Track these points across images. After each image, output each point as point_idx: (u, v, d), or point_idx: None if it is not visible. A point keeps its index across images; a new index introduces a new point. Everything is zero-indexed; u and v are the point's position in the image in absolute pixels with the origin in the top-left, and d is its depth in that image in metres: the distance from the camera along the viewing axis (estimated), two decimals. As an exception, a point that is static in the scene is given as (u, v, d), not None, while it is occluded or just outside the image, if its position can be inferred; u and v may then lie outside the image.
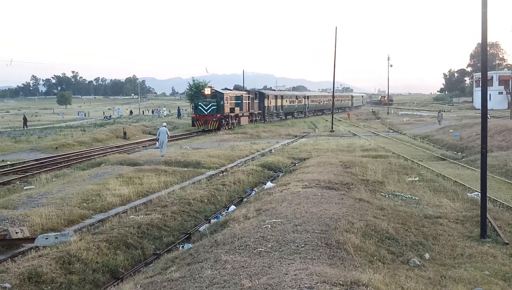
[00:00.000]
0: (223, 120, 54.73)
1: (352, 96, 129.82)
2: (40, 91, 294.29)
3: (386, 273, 8.91)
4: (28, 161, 30.65)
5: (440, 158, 30.79)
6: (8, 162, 30.19)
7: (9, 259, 11.81)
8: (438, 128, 50.57)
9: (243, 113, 60.60)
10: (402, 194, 17.66)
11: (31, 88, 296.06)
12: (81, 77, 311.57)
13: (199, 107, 54.29)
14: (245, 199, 19.11)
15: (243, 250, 9.80)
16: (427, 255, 10.97)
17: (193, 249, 11.31)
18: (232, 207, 17.53)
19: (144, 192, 19.75)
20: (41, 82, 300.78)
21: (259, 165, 26.48)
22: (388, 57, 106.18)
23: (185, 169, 25.46)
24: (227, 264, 8.87)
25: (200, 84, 77.88)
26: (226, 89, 61.85)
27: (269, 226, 11.45)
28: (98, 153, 34.40)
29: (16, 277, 10.18)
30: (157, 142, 32.34)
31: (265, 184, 20.91)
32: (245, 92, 64.39)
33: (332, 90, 70.87)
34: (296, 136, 49.55)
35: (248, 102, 62.99)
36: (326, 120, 73.10)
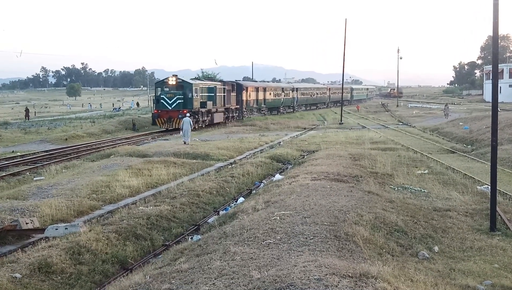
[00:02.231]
0: (192, 117, 42.11)
1: (351, 89, 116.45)
2: (49, 82, 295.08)
3: (395, 265, 8.91)
4: (38, 152, 30.78)
5: (450, 151, 30.64)
6: (18, 153, 30.34)
7: (20, 250, 11.88)
8: (448, 121, 50.37)
9: (217, 109, 50.57)
10: (411, 187, 17.62)
11: (41, 80, 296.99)
12: (90, 68, 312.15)
13: (162, 100, 44.54)
14: (254, 191, 19.13)
15: (252, 241, 9.82)
16: (436, 248, 10.96)
17: (202, 240, 11.34)
18: (241, 199, 17.55)
19: (153, 184, 19.79)
20: (50, 73, 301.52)
21: (268, 157, 26.48)
22: (398, 49, 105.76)
23: (194, 161, 25.50)
24: (236, 256, 8.89)
25: (209, 75, 77.84)
26: (196, 78, 53.44)
27: (278, 218, 11.46)
28: (107, 144, 34.50)
29: (26, 267, 10.25)
30: (181, 132, 34.16)
31: (274, 176, 20.92)
32: (219, 82, 54.63)
33: (341, 82, 70.51)
34: (305, 128, 49.50)
35: (223, 95, 52.73)
36: (335, 113, 72.92)
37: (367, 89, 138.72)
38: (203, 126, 47.17)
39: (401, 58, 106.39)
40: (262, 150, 31.45)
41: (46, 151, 31.22)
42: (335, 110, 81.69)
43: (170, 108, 44.20)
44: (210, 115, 49.04)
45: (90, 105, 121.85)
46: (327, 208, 12.30)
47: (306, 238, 9.80)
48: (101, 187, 18.12)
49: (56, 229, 12.74)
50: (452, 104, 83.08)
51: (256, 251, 9.12)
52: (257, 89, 64.05)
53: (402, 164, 22.63)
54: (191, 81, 46.74)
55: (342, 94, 68.61)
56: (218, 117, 50.85)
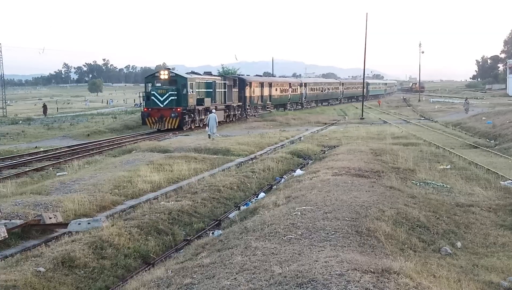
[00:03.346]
0: (186, 116, 40.31)
1: (367, 84, 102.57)
2: (71, 78, 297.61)
3: (418, 261, 8.85)
4: (60, 147, 31.12)
5: (473, 146, 30.35)
6: (42, 149, 30.69)
7: (43, 244, 12.01)
8: (470, 116, 49.86)
9: (216, 106, 44.14)
10: (433, 182, 17.48)
11: (63, 76, 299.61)
12: (111, 64, 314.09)
13: (152, 97, 39.65)
14: (275, 187, 19.12)
15: (273, 237, 9.83)
16: (459, 244, 10.86)
17: (223, 235, 11.38)
18: (262, 194, 17.55)
19: (175, 179, 19.88)
20: (72, 69, 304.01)
21: (288, 152, 26.44)
22: (420, 44, 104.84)
23: (215, 156, 25.55)
24: (257, 251, 8.90)
25: (230, 71, 77.84)
26: (192, 72, 46.76)
27: (299, 213, 11.45)
28: (129, 140, 34.75)
29: (50, 262, 10.35)
30: (207, 127, 34.33)
31: (294, 172, 20.89)
32: (219, 77, 49.06)
33: (362, 77, 70.04)
34: (325, 123, 49.34)
35: (224, 91, 47.74)
36: (356, 108, 72.58)
37: (386, 84, 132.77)
38: (200, 125, 42.26)
39: (423, 52, 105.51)
40: (282, 145, 31.43)
41: (69, 146, 31.55)
42: (356, 105, 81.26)
43: (161, 105, 39.32)
44: (208, 113, 41.74)
45: (112, 100, 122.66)
46: (349, 203, 12.26)
47: (328, 233, 9.78)
48: (123, 182, 18.24)
49: (79, 224, 12.86)
50: (475, 98, 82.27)
51: (277, 246, 9.12)
52: (261, 85, 58.60)
53: (424, 159, 22.46)
54: (185, 75, 42.21)
55: (364, 89, 68.24)
56: (218, 116, 42.80)
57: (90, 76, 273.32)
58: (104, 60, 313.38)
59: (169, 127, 38.85)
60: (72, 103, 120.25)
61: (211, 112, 35.92)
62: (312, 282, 6.86)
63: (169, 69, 42.45)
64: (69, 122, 50.45)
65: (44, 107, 68.36)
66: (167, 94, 39.46)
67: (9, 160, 26.03)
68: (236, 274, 7.77)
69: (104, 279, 10.38)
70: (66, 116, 63.58)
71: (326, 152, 27.14)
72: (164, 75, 40.87)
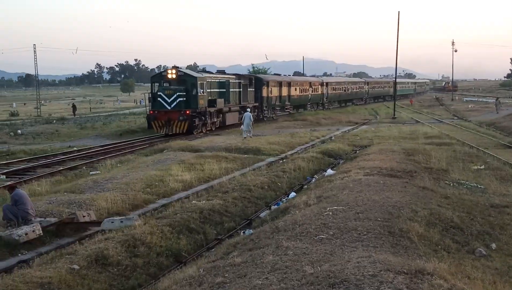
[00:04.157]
0: (197, 119, 36.50)
1: (394, 83, 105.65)
2: (104, 78, 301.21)
3: (451, 262, 8.73)
4: (93, 147, 31.52)
5: (507, 146, 29.80)
6: (75, 148, 31.13)
7: (77, 242, 12.19)
8: (505, 115, 49.01)
9: (229, 108, 41.94)
10: (467, 183, 17.23)
11: (96, 76, 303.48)
12: (143, 65, 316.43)
13: (159, 99, 35.99)
14: (306, 186, 19.06)
15: (304, 236, 9.80)
16: (493, 245, 10.68)
17: (254, 234, 11.38)
18: (293, 194, 17.51)
19: (206, 178, 19.96)
20: (105, 70, 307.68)
21: (319, 152, 26.33)
22: (453, 42, 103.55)
23: (245, 155, 25.59)
24: (288, 250, 8.88)
25: (260, 70, 77.79)
26: (203, 71, 43.68)
27: (330, 213, 11.40)
28: (160, 139, 34.98)
29: (84, 259, 10.50)
30: (242, 126, 34.60)
31: (325, 171, 20.80)
32: (233, 76, 44.74)
33: (394, 76, 69.33)
34: (357, 123, 49.01)
35: (239, 91, 44.33)
36: (388, 107, 71.89)
37: (415, 83, 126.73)
38: (213, 128, 39.57)
39: (456, 51, 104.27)
40: (313, 145, 31.32)
41: (101, 146, 31.93)
42: (387, 104, 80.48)
43: (169, 108, 35.67)
44: (221, 115, 40.83)
45: (142, 100, 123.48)
46: (381, 203, 12.16)
47: (360, 233, 9.72)
48: (155, 181, 18.39)
49: (112, 222, 13.00)
50: (509, 98, 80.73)
51: (308, 246, 9.09)
52: (280, 84, 54.67)
53: (457, 159, 22.16)
54: (195, 74, 38.64)
55: (395, 88, 67.49)
56: (232, 118, 42.51)
57: (122, 76, 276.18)
58: (136, 60, 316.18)
59: (177, 132, 35.45)
60: (105, 103, 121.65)
61: (245, 111, 36.03)
62: (344, 282, 6.82)
63: (178, 67, 38.05)
64: (101, 122, 51.06)
65: (73, 107, 69.02)
66: (175, 95, 35.78)
67: (44, 159, 26.47)
68: (268, 273, 7.76)
69: (137, 277, 10.49)
70: (99, 115, 64.35)
71: (357, 151, 26.95)
72: (172, 74, 37.00)
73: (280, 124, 46.48)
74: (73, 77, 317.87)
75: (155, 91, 36.99)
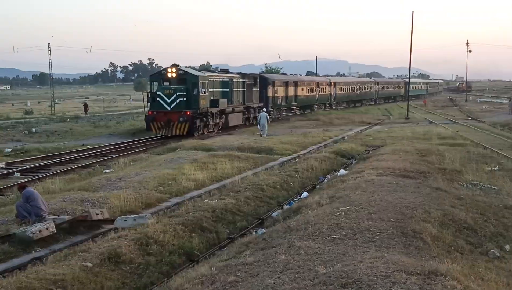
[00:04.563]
0: (198, 120, 34.72)
1: (405, 83, 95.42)
2: (117, 77, 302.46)
3: (465, 264, 8.68)
4: (107, 145, 31.66)
5: (522, 147, 29.56)
6: (88, 146, 31.31)
7: (90, 239, 12.27)
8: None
9: (233, 108, 40.19)
10: (481, 184, 17.12)
11: (109, 75, 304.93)
12: (156, 64, 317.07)
13: (158, 99, 34.27)
14: (318, 186, 19.03)
15: (316, 236, 9.79)
16: (507, 247, 10.60)
17: (267, 234, 11.38)
18: (305, 194, 17.49)
19: (218, 177, 19.99)
20: (118, 69, 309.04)
21: (332, 152, 26.29)
22: (467, 42, 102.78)
23: (258, 155, 25.60)
24: (301, 250, 8.88)
25: (273, 70, 77.73)
26: (205, 70, 42.34)
27: (343, 213, 11.38)
28: (173, 138, 35.06)
29: (97, 257, 10.55)
30: (258, 125, 35.06)
31: (338, 171, 20.75)
32: (237, 75, 42.81)
33: (408, 76, 68.95)
34: (369, 123, 48.86)
35: (243, 91, 42.45)
36: (401, 107, 71.61)
37: (427, 83, 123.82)
38: (215, 130, 37.75)
39: (470, 52, 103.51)
40: (326, 145, 31.28)
41: (115, 144, 32.08)
42: (401, 104, 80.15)
43: (168, 108, 33.95)
44: (223, 116, 39.03)
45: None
46: (394, 204, 12.12)
47: (372, 234, 9.69)
48: (168, 180, 18.45)
49: (125, 220, 13.06)
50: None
51: (321, 246, 9.08)
52: (286, 84, 53.16)
53: (471, 160, 22.04)
54: (196, 73, 36.46)
55: (408, 88, 67.17)
56: (235, 119, 41.03)
57: (136, 75, 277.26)
58: (149, 59, 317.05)
59: (177, 133, 33.68)
60: (118, 102, 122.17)
61: (262, 111, 36.28)
62: (357, 282, 6.81)
63: (177, 65, 35.95)
64: (115, 121, 51.28)
65: (85, 105, 68.92)
66: (175, 95, 33.98)
67: (58, 157, 26.65)
68: (280, 273, 7.77)
69: (149, 275, 10.53)
70: (112, 114, 64.62)
71: (370, 152, 26.89)
72: (171, 72, 35.17)
73: (293, 124, 46.44)
74: (87, 76, 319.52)
75: (154, 90, 35.19)
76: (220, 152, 25.48)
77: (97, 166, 23.89)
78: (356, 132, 39.14)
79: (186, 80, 35.02)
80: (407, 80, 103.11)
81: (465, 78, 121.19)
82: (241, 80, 42.35)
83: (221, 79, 39.35)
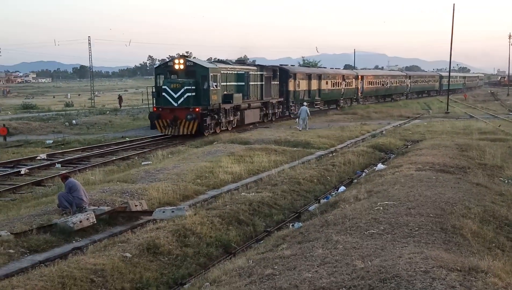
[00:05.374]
0: (208, 118, 31.29)
1: (440, 77, 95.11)
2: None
3: (506, 261, 8.52)
4: (145, 138, 31.99)
5: None
6: (127, 139, 31.69)
7: (129, 230, 12.46)
8: None
9: (249, 104, 36.36)
10: (523, 180, 16.76)
11: (148, 68, 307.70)
12: (194, 57, 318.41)
13: (164, 93, 30.81)
14: (355, 181, 18.91)
15: (354, 231, 9.74)
16: (551, 245, 10.36)
17: (304, 228, 11.38)
18: (342, 188, 17.40)
19: (255, 171, 20.03)
20: (157, 62, 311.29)
21: (369, 146, 26.07)
22: (510, 35, 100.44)
23: (295, 148, 25.57)
24: (338, 244, 8.84)
25: (310, 63, 77.36)
26: (218, 61, 37.84)
27: (381, 208, 11.29)
28: (210, 131, 35.21)
29: (136, 248, 10.70)
30: (298, 119, 35.20)
31: (376, 166, 20.58)
32: (254, 67, 39.07)
33: (448, 69, 67.66)
34: (408, 117, 48.22)
35: (260, 85, 38.68)
36: (441, 102, 70.49)
37: (464, 77, 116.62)
38: (229, 128, 33.99)
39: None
40: (363, 139, 31.05)
41: (153, 137, 32.38)
42: (440, 98, 78.86)
43: (175, 104, 30.43)
44: (238, 113, 35.07)
45: None
46: (433, 199, 11.97)
47: (411, 229, 9.58)
48: (205, 173, 18.57)
49: (163, 212, 13.20)
50: None
51: (358, 240, 9.03)
52: (309, 76, 48.68)
53: (513, 155, 21.57)
54: (207, 64, 32.78)
55: (449, 82, 65.96)
56: (252, 116, 37.25)
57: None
58: (187, 52, 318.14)
59: (185, 133, 30.42)
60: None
61: (302, 104, 36.15)
62: (395, 278, 6.75)
63: (186, 56, 32.66)
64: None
65: (120, 98, 69.24)
66: (183, 90, 30.40)
67: (97, 149, 27.11)
68: (317, 267, 7.75)
69: (187, 267, 10.62)
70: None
71: (409, 146, 26.57)
72: (178, 64, 31.30)
73: (330, 118, 46.14)
74: (126, 69, 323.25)
75: (160, 84, 31.79)
76: (256, 145, 25.53)
77: (136, 158, 24.20)
78: (395, 126, 38.72)
79: (195, 72, 31.39)
80: (442, 73, 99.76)
81: (507, 72, 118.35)
82: (258, 72, 38.61)
83: (236, 72, 35.59)
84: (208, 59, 46.00)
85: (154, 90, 32.23)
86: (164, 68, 33.12)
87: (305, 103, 37.31)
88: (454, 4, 55.15)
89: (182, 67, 31.21)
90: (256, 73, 38.07)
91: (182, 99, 30.40)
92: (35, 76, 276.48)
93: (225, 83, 33.33)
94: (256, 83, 38.07)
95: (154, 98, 32.03)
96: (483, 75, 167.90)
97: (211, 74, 31.21)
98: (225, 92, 33.22)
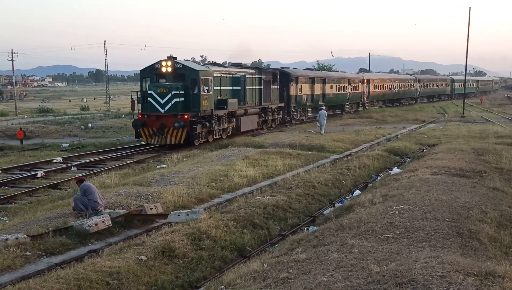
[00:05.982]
0: (198, 126, 28.30)
1: (452, 80, 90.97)
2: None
3: (524, 266, 8.43)
4: (160, 141, 31.98)
5: None
6: (142, 142, 31.80)
7: (145, 233, 12.51)
8: None
9: (246, 110, 33.60)
10: (540, 184, 16.58)
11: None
12: (209, 61, 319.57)
13: (150, 99, 27.81)
14: (371, 184, 18.83)
15: (369, 235, 9.70)
16: None
17: (319, 231, 11.35)
18: (357, 192, 17.33)
19: (269, 174, 20.03)
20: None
21: (384, 150, 25.96)
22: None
23: (309, 152, 25.53)
24: (353, 248, 8.82)
25: (325, 67, 77.23)
26: (211, 63, 34.48)
27: (397, 212, 11.23)
28: (224, 134, 35.26)
29: (151, 251, 10.74)
30: (318, 123, 35.88)
31: (391, 170, 20.48)
32: (252, 70, 36.45)
33: (464, 73, 67.26)
34: (424, 121, 47.97)
35: (258, 89, 35.87)
36: (457, 105, 70.03)
37: (477, 81, 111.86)
38: (222, 136, 31.13)
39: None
40: (378, 142, 30.90)
41: (168, 140, 32.39)
42: (456, 102, 78.36)
43: (162, 111, 27.52)
44: (233, 120, 32.17)
45: None
46: (449, 203, 11.89)
47: (427, 233, 9.53)
48: (220, 176, 18.60)
49: (178, 215, 13.23)
50: None
51: (374, 244, 9.00)
52: (312, 80, 45.98)
53: (530, 160, 21.35)
54: (197, 67, 29.95)
55: (465, 85, 65.45)
56: (249, 123, 34.18)
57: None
58: (202, 56, 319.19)
59: (172, 142, 27.53)
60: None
61: (321, 109, 36.61)
62: (411, 282, 6.71)
63: (174, 58, 29.33)
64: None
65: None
66: (170, 95, 27.46)
67: (113, 153, 27.26)
68: (333, 270, 7.73)
69: (202, 270, 10.65)
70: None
71: (424, 150, 26.41)
72: (166, 66, 28.52)
73: (345, 121, 46.00)
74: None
75: (146, 89, 29.03)
76: (271, 149, 25.52)
77: (151, 161, 24.30)
78: (410, 130, 38.52)
79: (185, 76, 28.42)
80: (454, 77, 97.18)
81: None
82: (256, 76, 35.69)
83: (231, 75, 32.72)
84: (206, 62, 43.96)
85: (138, 95, 29.67)
86: (151, 71, 29.59)
87: (324, 107, 37.73)
88: (470, 7, 54.88)
89: (170, 70, 28.50)
90: (254, 76, 35.33)
91: (169, 105, 27.49)
92: (51, 80, 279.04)
93: (218, 88, 30.69)
94: (254, 87, 35.31)
95: (139, 104, 29.44)
96: (498, 78, 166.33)
97: (202, 77, 28.42)
98: (219, 97, 30.60)
